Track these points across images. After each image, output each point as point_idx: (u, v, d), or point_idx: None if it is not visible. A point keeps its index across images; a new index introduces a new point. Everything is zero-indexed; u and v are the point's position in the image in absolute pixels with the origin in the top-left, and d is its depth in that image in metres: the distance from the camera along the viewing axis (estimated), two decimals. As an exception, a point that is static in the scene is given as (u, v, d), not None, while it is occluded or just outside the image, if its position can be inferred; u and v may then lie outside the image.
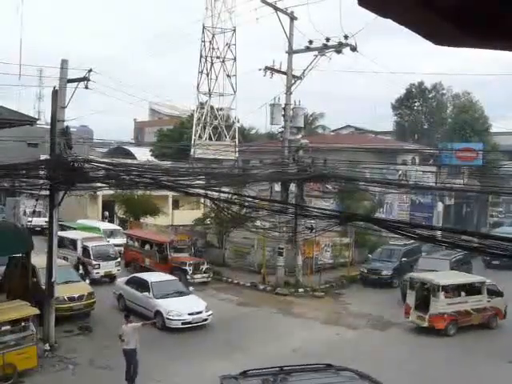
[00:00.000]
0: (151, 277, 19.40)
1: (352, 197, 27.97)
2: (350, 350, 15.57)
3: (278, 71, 22.93)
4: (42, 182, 15.53)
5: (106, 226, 31.82)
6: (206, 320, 17.67)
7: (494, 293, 18.84)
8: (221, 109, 45.29)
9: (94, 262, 23.32)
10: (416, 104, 58.34)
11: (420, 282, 18.72)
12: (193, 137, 43.34)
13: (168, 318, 17.14)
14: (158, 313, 17.43)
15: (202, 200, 28.59)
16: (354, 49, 20.83)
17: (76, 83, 15.09)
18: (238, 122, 46.48)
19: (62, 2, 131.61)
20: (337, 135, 54.84)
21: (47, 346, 14.76)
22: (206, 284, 23.41)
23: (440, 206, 35.96)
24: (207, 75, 43.35)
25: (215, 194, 15.68)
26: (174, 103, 66.39)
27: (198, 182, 15.50)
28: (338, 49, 21.21)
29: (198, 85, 43.56)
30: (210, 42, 42.86)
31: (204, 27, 42.69)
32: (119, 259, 24.57)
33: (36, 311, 13.77)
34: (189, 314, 17.33)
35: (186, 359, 14.73)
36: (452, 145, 40.03)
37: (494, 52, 1.60)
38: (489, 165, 36.89)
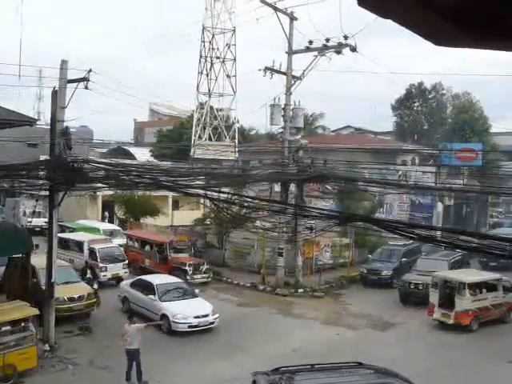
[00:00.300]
0: (156, 279, 19.07)
1: (352, 197, 27.97)
2: (350, 350, 15.56)
3: (278, 71, 22.93)
4: (41, 182, 15.54)
5: (106, 226, 31.80)
6: (212, 323, 17.33)
7: (507, 289, 19.57)
8: (221, 109, 45.29)
9: (101, 265, 22.85)
10: (416, 104, 58.36)
11: (443, 280, 19.26)
12: (192, 137, 43.34)
13: (174, 322, 16.78)
14: (163, 316, 17.05)
15: (202, 200, 28.58)
16: (353, 49, 20.85)
17: (76, 83, 15.09)
18: (238, 122, 46.53)
19: (61, 2, 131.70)
20: (337, 135, 54.86)
21: (47, 347, 14.76)
22: (205, 284, 23.40)
23: (440, 207, 35.95)
24: (207, 75, 43.37)
25: (215, 195, 15.68)
26: (174, 103, 66.43)
27: (197, 182, 15.51)
28: (338, 49, 21.22)
29: (198, 85, 43.61)
30: (210, 42, 42.91)
31: (204, 27, 42.72)
32: (126, 261, 23.97)
33: (36, 312, 13.77)
34: (195, 318, 16.99)
35: (185, 359, 14.74)
36: (452, 145, 40.02)
37: (494, 52, 1.60)
38: (488, 165, 36.90)
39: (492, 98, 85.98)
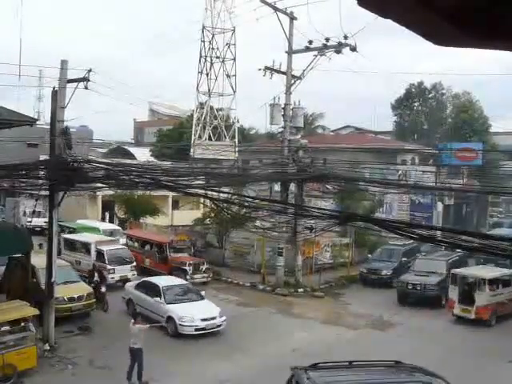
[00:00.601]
0: (162, 281, 18.66)
1: (352, 197, 27.99)
2: (350, 350, 15.55)
3: (278, 71, 22.93)
4: (41, 182, 15.53)
5: (106, 226, 31.78)
6: (219, 326, 16.91)
7: None
8: (220, 109, 45.32)
9: (109, 267, 22.25)
10: (416, 104, 58.41)
11: (462, 276, 19.96)
12: (192, 137, 43.36)
13: (181, 325, 16.35)
14: (169, 319, 16.64)
15: (202, 200, 28.60)
16: (353, 49, 20.85)
17: (76, 83, 15.09)
18: (238, 122, 46.52)
19: (61, 2, 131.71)
20: (336, 135, 54.87)
21: (47, 347, 14.75)
22: (205, 284, 23.38)
23: (440, 206, 35.96)
24: (207, 75, 43.41)
25: (215, 194, 15.69)
26: (174, 103, 66.47)
27: (197, 182, 15.51)
28: (338, 49, 21.22)
29: (198, 85, 43.62)
30: (210, 42, 42.94)
31: (204, 27, 42.74)
32: (134, 263, 23.40)
33: (36, 311, 13.77)
34: (202, 320, 16.57)
35: (186, 359, 14.73)
36: (451, 145, 40.03)
37: (494, 52, 1.60)
38: (488, 165, 36.89)
39: (492, 97, 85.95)
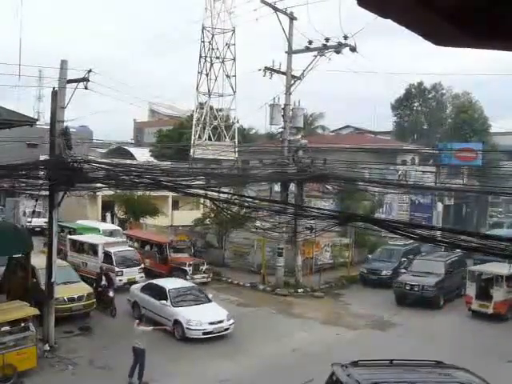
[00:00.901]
0: (168, 283, 18.28)
1: (351, 197, 27.99)
2: (350, 350, 15.55)
3: (278, 71, 22.93)
4: (41, 182, 15.53)
5: (106, 226, 31.78)
6: (227, 329, 16.58)
7: None
8: (220, 109, 45.33)
9: (117, 269, 21.80)
10: (415, 104, 58.40)
11: (479, 273, 20.70)
12: (192, 137, 43.36)
13: (188, 328, 16.04)
14: (176, 322, 16.34)
15: (202, 200, 28.60)
16: (353, 49, 20.86)
17: (76, 84, 15.09)
18: (238, 122, 46.55)
19: (61, 2, 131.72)
20: (336, 135, 54.87)
21: (47, 347, 14.75)
22: (205, 284, 23.37)
23: (439, 206, 35.97)
24: (207, 75, 43.41)
25: (215, 195, 15.68)
26: (174, 103, 66.48)
27: (197, 182, 15.51)
28: (338, 49, 21.23)
29: (198, 85, 43.62)
30: (210, 42, 42.93)
31: (203, 27, 42.74)
32: (142, 265, 23.00)
33: (36, 312, 13.76)
34: (210, 324, 16.25)
35: (186, 359, 14.74)
36: (451, 145, 40.02)
37: (494, 52, 1.60)
38: (488, 165, 36.88)
39: (492, 97, 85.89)
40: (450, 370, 9.95)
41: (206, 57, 43.27)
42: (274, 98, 23.05)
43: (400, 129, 57.53)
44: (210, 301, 17.74)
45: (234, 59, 42.78)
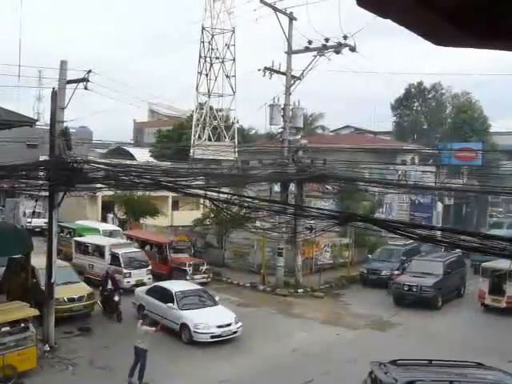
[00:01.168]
0: (175, 286, 17.97)
1: (351, 197, 27.99)
2: (350, 350, 15.58)
3: (277, 72, 22.93)
4: (41, 182, 15.54)
5: (106, 226, 31.77)
6: (235, 333, 16.31)
7: None
8: (220, 109, 45.32)
9: (125, 271, 21.48)
10: (415, 104, 58.43)
11: (492, 270, 21.10)
12: (192, 137, 43.35)
13: (195, 332, 15.76)
14: (183, 325, 16.05)
15: (202, 201, 28.60)
16: (353, 49, 20.87)
17: (75, 84, 15.09)
18: (238, 122, 46.54)
19: (61, 2, 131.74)
20: (336, 135, 54.87)
21: (47, 347, 14.75)
22: (205, 285, 23.36)
23: (439, 206, 35.97)
24: (206, 76, 43.39)
25: (215, 195, 15.68)
26: (173, 104, 66.50)
27: (197, 182, 15.51)
28: (337, 49, 21.23)
29: (198, 85, 43.61)
30: (209, 42, 42.92)
31: (203, 28, 42.73)
32: (150, 267, 22.65)
33: (36, 312, 13.75)
34: (217, 327, 15.95)
35: (187, 360, 14.72)
36: (451, 145, 40.02)
37: (494, 52, 1.60)
38: (488, 165, 36.89)
39: (491, 97, 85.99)
40: (489, 372, 10.00)
41: (205, 57, 43.27)
42: (274, 98, 23.07)
43: (400, 129, 57.55)
44: (216, 303, 17.46)
45: (234, 59, 42.78)
